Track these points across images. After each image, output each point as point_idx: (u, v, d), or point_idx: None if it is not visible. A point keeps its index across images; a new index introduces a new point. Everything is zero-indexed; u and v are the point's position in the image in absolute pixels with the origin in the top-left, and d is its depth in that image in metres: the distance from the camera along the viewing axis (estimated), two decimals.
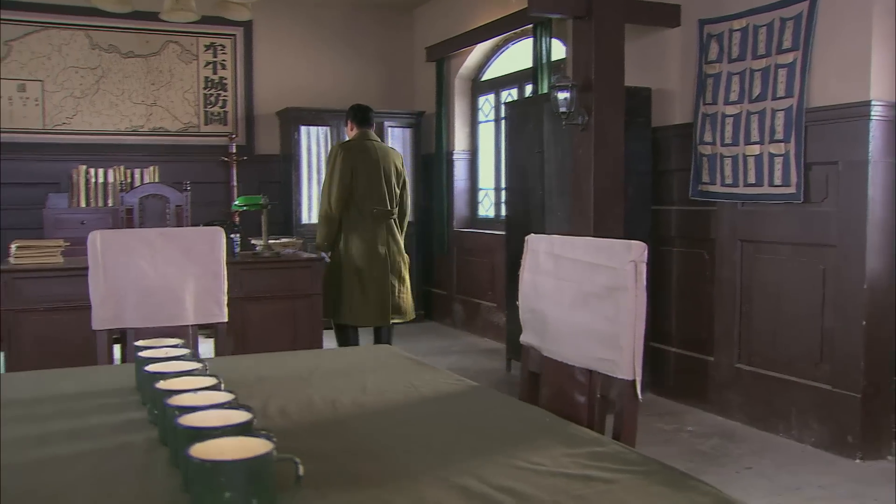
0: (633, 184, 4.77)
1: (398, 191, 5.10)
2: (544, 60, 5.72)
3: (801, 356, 3.99)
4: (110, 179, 6.50)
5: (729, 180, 4.32)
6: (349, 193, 4.89)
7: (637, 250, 1.40)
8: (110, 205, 6.39)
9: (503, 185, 6.43)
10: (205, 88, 7.17)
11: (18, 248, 4.24)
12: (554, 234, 4.88)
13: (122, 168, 6.58)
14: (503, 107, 6.36)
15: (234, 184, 7.09)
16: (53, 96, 6.62)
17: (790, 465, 3.66)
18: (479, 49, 7.03)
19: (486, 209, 7.28)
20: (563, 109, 4.42)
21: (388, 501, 1.03)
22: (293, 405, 1.51)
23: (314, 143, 7.21)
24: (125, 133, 6.85)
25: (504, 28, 6.32)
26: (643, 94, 4.82)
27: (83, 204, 6.39)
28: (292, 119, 7.11)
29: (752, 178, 4.18)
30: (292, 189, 7.13)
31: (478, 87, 7.30)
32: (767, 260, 4.18)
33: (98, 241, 2.19)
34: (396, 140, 7.50)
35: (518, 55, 6.74)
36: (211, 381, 1.31)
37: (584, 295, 1.48)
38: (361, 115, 5.10)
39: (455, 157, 7.35)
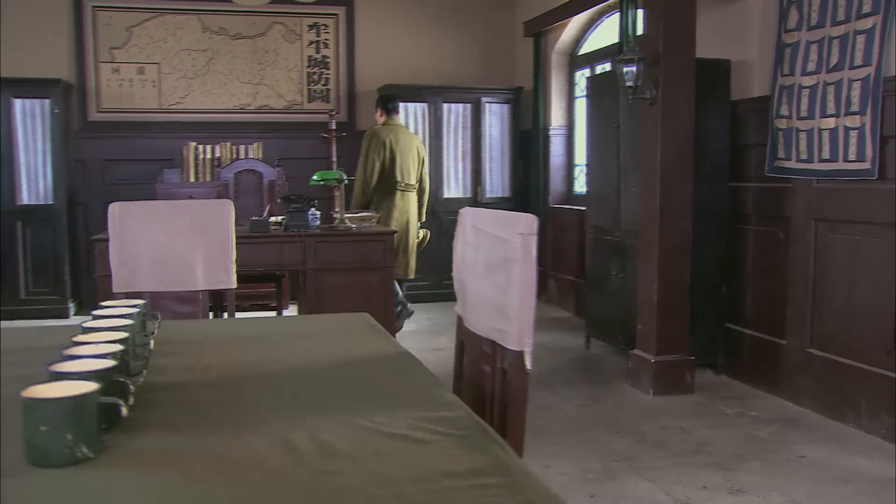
0: (709, 160, 4.62)
1: (419, 170, 6.01)
2: (629, 33, 5.58)
3: (874, 343, 3.76)
4: (217, 155, 6.90)
5: (804, 155, 4.10)
6: (382, 169, 5.78)
7: (525, 223, 1.41)
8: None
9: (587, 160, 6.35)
10: (308, 67, 7.45)
11: None
12: (625, 210, 4.80)
13: (228, 144, 6.97)
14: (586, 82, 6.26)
15: (334, 159, 7.33)
16: (168, 78, 7.09)
17: (849, 457, 3.48)
18: (575, 23, 6.93)
19: (581, 185, 7.19)
20: (629, 83, 4.33)
21: (199, 444, 1.13)
22: (221, 363, 1.63)
23: (412, 119, 7.35)
24: (233, 111, 7.24)
25: (597, 0, 6.20)
26: (722, 67, 4.63)
27: (192, 179, 6.83)
28: None
29: (826, 154, 3.95)
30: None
31: (575, 61, 7.20)
32: (841, 240, 3.95)
33: (117, 212, 2.40)
34: (494, 116, 7.54)
35: (613, 28, 6.58)
36: (122, 335, 1.45)
37: (489, 266, 1.51)
38: (390, 104, 5.97)
39: (551, 132, 7.30)
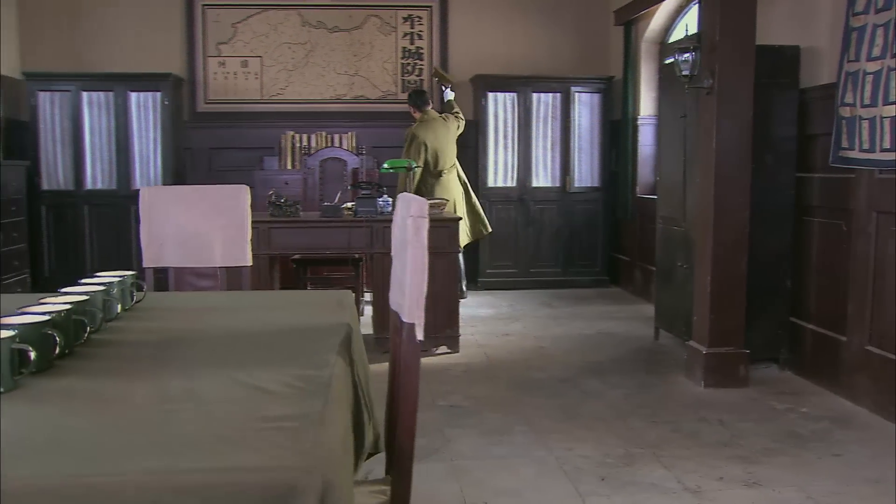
0: (774, 150, 4.51)
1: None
2: None
3: None
4: (313, 144, 7.26)
5: (866, 145, 3.94)
6: (424, 164, 6.40)
7: (415, 206, 1.54)
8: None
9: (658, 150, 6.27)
10: (402, 58, 7.69)
11: None
12: (690, 201, 4.74)
13: (323, 134, 7.32)
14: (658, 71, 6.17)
15: None
16: (270, 70, 7.51)
17: (891, 458, 3.35)
18: (665, 11, 6.83)
19: None
20: (685, 72, 4.29)
21: (95, 386, 1.36)
22: (180, 327, 1.85)
23: (501, 109, 7.46)
24: (329, 101, 7.59)
25: None
26: (789, 53, 4.49)
27: (289, 166, 7.22)
28: (480, 85, 7.42)
29: (887, 143, 3.78)
30: (479, 153, 7.45)
31: (664, 49, 7.08)
32: None
33: (147, 196, 2.68)
34: (584, 105, 7.53)
35: None
36: (82, 298, 1.69)
37: (401, 247, 1.65)
38: (420, 100, 6.51)
39: (641, 122, 7.23)
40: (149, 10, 7.29)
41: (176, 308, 2.08)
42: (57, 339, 1.46)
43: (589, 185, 7.60)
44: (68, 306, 1.59)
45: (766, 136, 4.48)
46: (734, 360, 4.33)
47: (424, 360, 4.92)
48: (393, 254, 1.82)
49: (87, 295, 1.73)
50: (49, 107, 6.81)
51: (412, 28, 7.68)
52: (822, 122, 4.34)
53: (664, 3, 6.64)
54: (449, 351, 5.15)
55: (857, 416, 3.90)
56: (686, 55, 4.23)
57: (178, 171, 7.16)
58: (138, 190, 6.80)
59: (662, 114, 5.42)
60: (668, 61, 5.04)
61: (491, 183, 7.48)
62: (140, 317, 1.95)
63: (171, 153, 6.97)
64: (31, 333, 1.42)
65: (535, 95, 7.47)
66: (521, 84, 7.44)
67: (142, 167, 6.95)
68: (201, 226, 2.67)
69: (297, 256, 5.69)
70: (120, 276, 2.00)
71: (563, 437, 3.62)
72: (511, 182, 7.51)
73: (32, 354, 1.37)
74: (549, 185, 7.56)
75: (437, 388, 4.36)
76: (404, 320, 1.57)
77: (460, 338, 5.32)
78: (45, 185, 6.84)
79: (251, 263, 2.73)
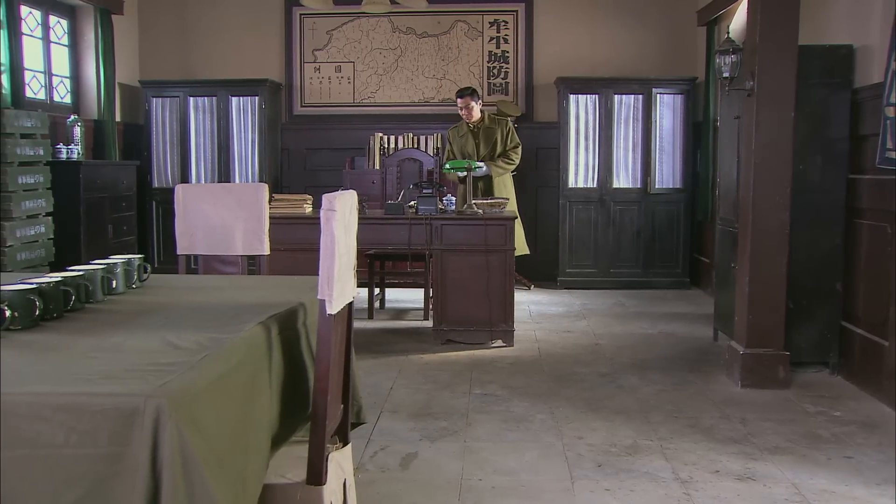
0: (826, 151, 4.48)
1: None
2: None
3: None
4: (400, 145, 7.63)
5: None
6: None
7: (326, 202, 1.80)
8: None
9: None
10: (488, 62, 7.94)
11: (273, 199, 5.43)
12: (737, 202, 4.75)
13: (409, 135, 7.67)
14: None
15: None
16: (361, 75, 7.94)
17: None
18: (744, 10, 6.74)
19: None
20: (725, 74, 4.33)
21: (57, 339, 1.70)
22: (167, 301, 2.19)
23: (582, 111, 7.58)
24: (417, 104, 7.93)
25: None
26: (842, 53, 4.44)
27: (377, 166, 7.61)
28: (562, 88, 7.56)
29: None
30: (560, 154, 7.59)
31: None
32: None
33: (181, 192, 3.08)
34: (666, 107, 7.53)
35: None
36: (77, 273, 2.06)
37: None
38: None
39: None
40: (250, 21, 7.87)
41: (174, 287, 2.44)
42: (38, 303, 1.82)
43: (670, 186, 7.59)
44: (57, 279, 1.96)
45: (819, 136, 4.45)
46: (773, 361, 4.33)
47: (478, 353, 5.17)
48: None
49: (83, 272, 2.10)
50: (160, 111, 7.50)
51: (498, 32, 7.91)
52: (873, 122, 4.27)
53: (744, 1, 6.57)
54: (504, 345, 5.36)
55: (888, 422, 3.84)
56: (726, 57, 4.27)
57: (274, 170, 7.70)
58: None
59: (722, 115, 5.43)
60: None
61: (572, 184, 7.60)
62: (140, 292, 2.32)
63: (267, 153, 7.51)
64: (16, 298, 1.80)
65: (616, 97, 7.54)
66: (603, 86, 7.53)
67: (240, 166, 7.53)
68: (226, 219, 3.03)
69: (371, 251, 6.05)
70: (126, 259, 2.38)
71: (578, 426, 3.77)
72: (592, 183, 7.61)
73: (7, 313, 1.73)
74: (629, 185, 7.61)
75: (479, 378, 4.58)
76: (318, 297, 1.84)
77: (520, 332, 5.53)
78: (155, 183, 7.54)
79: (268, 252, 3.08)
